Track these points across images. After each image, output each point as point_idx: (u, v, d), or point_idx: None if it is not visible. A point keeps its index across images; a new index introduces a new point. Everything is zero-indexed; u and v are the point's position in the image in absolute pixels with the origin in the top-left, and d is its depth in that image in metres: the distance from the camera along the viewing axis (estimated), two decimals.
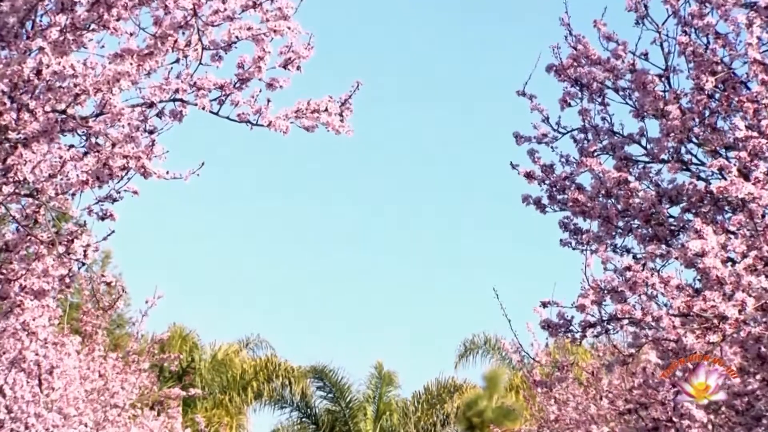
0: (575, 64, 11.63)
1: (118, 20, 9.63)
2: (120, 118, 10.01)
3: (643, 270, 10.26)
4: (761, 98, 9.39)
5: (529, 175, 11.76)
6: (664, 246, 10.73)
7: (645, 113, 11.25)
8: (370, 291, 73.27)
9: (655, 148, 11.11)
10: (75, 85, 9.53)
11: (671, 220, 10.95)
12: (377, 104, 66.45)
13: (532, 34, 66.69)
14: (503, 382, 45.26)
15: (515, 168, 11.87)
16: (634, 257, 11.07)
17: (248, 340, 49.86)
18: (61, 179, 9.85)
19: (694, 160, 10.99)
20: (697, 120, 10.60)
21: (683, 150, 11.01)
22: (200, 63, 10.11)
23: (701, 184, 10.74)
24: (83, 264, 10.54)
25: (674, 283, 9.82)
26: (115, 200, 10.25)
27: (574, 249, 11.59)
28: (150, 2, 9.63)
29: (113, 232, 10.41)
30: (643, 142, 11.39)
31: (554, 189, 11.65)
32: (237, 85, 10.15)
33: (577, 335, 10.96)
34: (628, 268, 10.32)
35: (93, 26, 9.50)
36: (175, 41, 9.98)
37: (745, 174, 9.23)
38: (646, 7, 11.01)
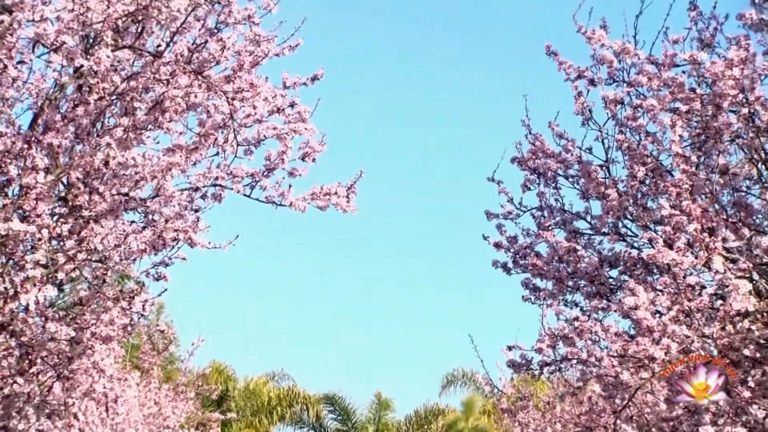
0: (534, 156, 11.62)
1: (170, 122, 9.65)
2: (171, 200, 10.03)
3: (588, 320, 10.20)
4: (682, 184, 9.37)
5: (497, 245, 11.73)
6: (605, 301, 10.68)
7: (589, 196, 11.22)
8: (371, 333, 73.26)
9: (598, 224, 11.08)
10: (136, 173, 9.55)
11: (611, 280, 10.90)
12: (379, 181, 66.69)
13: (500, 133, 66.99)
14: (477, 407, 44.90)
15: (486, 239, 11.83)
16: (581, 310, 11.00)
17: (274, 373, 49.46)
18: (125, 248, 9.81)
19: (629, 233, 10.95)
20: (631, 201, 10.57)
21: (620, 225, 10.97)
22: (235, 156, 10.15)
23: (635, 252, 10.70)
24: (142, 315, 10.48)
25: (613, 330, 9.75)
26: (167, 265, 10.21)
27: (533, 303, 11.53)
28: (196, 108, 9.66)
29: (166, 290, 10.37)
30: (588, 218, 11.37)
31: (517, 256, 11.60)
32: (265, 173, 10.17)
33: (536, 372, 10.89)
34: (576, 319, 10.28)
35: (150, 126, 9.51)
36: (216, 139, 10.01)
37: (669, 244, 9.18)
38: (590, 111, 11.00)
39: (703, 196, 9.76)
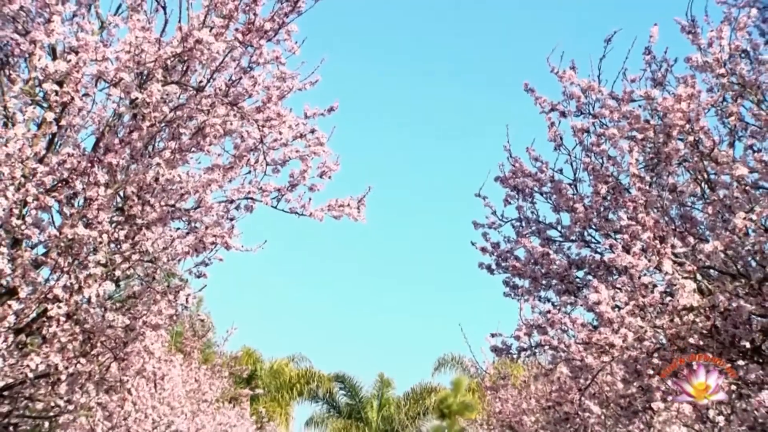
0: (514, 176, 11.60)
1: (210, 145, 9.64)
2: (211, 210, 10.02)
3: (558, 313, 10.17)
4: (638, 199, 9.33)
5: (483, 250, 11.68)
6: (572, 297, 10.64)
7: (560, 209, 11.20)
8: (376, 322, 73.56)
9: (567, 232, 11.05)
10: (181, 188, 9.54)
11: (578, 280, 10.87)
12: (386, 193, 66.87)
13: (484, 155, 67.17)
14: (464, 386, 44.85)
15: (474, 244, 11.81)
16: (553, 304, 10.96)
17: (294, 356, 49.42)
18: (171, 250, 9.81)
19: (593, 240, 10.92)
20: (595, 213, 10.55)
21: (586, 233, 10.94)
22: (264, 174, 10.12)
23: (598, 256, 10.68)
24: (185, 307, 10.48)
25: (579, 322, 9.72)
26: (207, 265, 10.21)
27: (512, 298, 11.48)
28: (231, 134, 9.65)
29: (205, 285, 10.38)
30: (559, 228, 11.34)
31: (500, 259, 11.56)
32: (289, 188, 10.14)
33: (515, 356, 10.87)
34: (549, 312, 10.24)
35: (193, 149, 9.49)
36: (248, 159, 9.99)
37: (627, 249, 9.15)
38: (561, 138, 10.98)
39: (655, 210, 9.73)
